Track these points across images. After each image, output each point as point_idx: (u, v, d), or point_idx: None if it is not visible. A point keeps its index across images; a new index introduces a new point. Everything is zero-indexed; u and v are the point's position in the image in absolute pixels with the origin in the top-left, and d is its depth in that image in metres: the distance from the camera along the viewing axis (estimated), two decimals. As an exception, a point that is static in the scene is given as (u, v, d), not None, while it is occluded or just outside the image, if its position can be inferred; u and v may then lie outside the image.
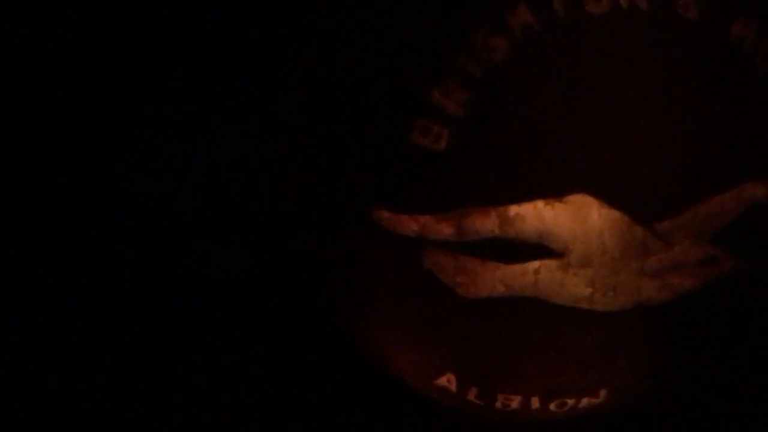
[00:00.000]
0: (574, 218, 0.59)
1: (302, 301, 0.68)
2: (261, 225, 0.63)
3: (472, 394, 0.67)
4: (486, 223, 0.59)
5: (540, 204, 0.58)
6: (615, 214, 0.59)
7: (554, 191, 0.58)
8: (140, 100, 0.63)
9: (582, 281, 0.60)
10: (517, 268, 0.60)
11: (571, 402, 0.67)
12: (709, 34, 0.57)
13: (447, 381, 0.67)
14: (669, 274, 0.61)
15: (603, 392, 0.66)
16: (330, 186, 0.62)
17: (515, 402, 0.67)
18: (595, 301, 0.61)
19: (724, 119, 0.58)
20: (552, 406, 0.67)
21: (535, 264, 0.60)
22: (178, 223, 0.65)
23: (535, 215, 0.59)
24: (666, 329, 0.63)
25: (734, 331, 0.64)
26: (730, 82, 0.58)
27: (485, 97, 0.57)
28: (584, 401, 0.67)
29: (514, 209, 0.59)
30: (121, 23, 0.65)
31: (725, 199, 0.60)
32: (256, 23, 0.60)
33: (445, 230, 0.60)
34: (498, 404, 0.67)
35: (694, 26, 0.57)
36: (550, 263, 0.60)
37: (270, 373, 0.69)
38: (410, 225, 0.61)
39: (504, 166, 0.58)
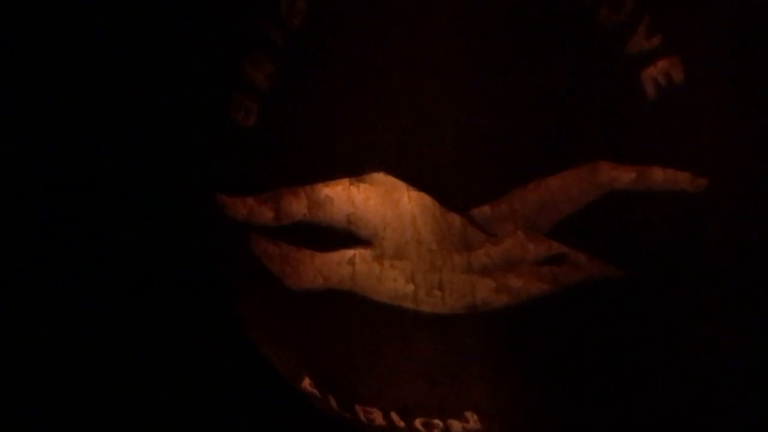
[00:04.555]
0: (383, 202, 0.50)
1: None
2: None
3: (333, 403, 0.60)
4: (297, 206, 0.53)
5: (346, 184, 0.51)
6: (425, 198, 0.49)
7: (353, 169, 0.50)
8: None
9: (401, 275, 0.51)
10: (332, 256, 0.52)
11: (438, 423, 0.57)
12: (534, -19, 0.47)
13: (309, 385, 0.60)
14: (503, 274, 0.50)
15: (472, 416, 0.55)
16: (179, 174, 0.60)
17: (377, 416, 0.58)
18: (420, 300, 0.51)
19: (555, 83, 0.46)
20: (419, 425, 0.57)
21: (349, 253, 0.52)
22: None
23: (345, 198, 0.51)
24: (516, 341, 0.51)
25: (598, 346, 0.50)
26: (562, 37, 0.46)
27: (287, 68, 0.51)
28: (455, 425, 0.56)
29: (322, 190, 0.51)
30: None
31: (564, 182, 0.47)
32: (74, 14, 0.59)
33: (266, 214, 0.54)
34: (362, 417, 0.59)
35: (513, -27, 0.47)
36: (364, 252, 0.52)
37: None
38: (240, 208, 0.56)
39: (306, 141, 0.51)
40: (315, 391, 0.59)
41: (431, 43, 0.47)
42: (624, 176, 0.47)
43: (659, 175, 0.47)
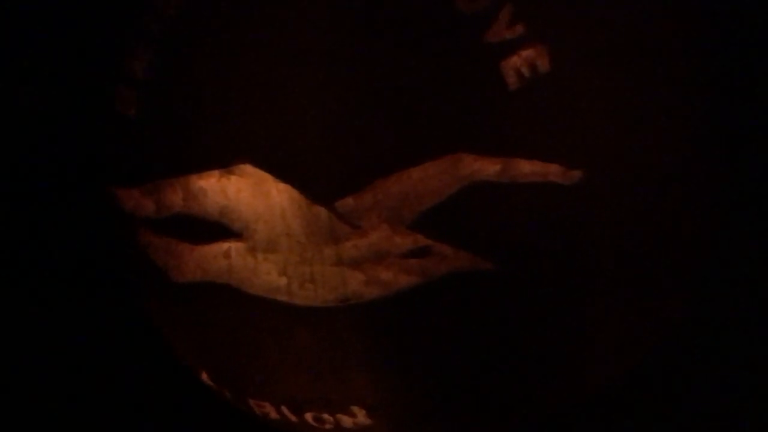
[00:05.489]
0: (254, 194, 0.50)
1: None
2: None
3: (228, 396, 0.60)
4: (174, 198, 0.52)
5: (217, 176, 0.51)
6: (292, 191, 0.49)
7: (223, 161, 0.50)
8: None
9: (274, 268, 0.51)
10: (209, 249, 0.52)
11: (328, 418, 0.56)
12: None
13: (206, 378, 0.60)
14: (372, 266, 0.49)
15: (360, 411, 0.55)
16: (74, 166, 0.60)
17: (270, 411, 0.57)
18: (294, 293, 0.51)
19: (414, 73, 0.45)
20: (310, 420, 0.57)
21: (224, 245, 0.52)
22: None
23: (218, 190, 0.51)
24: (391, 334, 0.50)
25: (473, 338, 0.49)
26: (420, 26, 0.45)
27: (163, 58, 0.51)
28: (345, 420, 0.56)
29: (197, 182, 0.51)
30: None
31: (426, 173, 0.47)
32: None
33: (148, 206, 0.54)
34: (257, 411, 0.59)
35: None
36: (239, 246, 0.51)
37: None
38: (127, 200, 0.56)
39: (180, 132, 0.50)
40: (212, 384, 0.59)
41: (295, 36, 0.47)
42: (488, 168, 0.46)
43: (526, 167, 0.46)
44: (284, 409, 0.56)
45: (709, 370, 0.63)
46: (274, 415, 0.57)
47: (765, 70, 0.53)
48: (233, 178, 0.50)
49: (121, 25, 0.52)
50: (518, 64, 0.45)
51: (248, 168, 0.49)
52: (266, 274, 0.51)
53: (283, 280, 0.50)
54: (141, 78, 0.52)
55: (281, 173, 0.48)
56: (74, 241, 0.64)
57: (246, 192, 0.50)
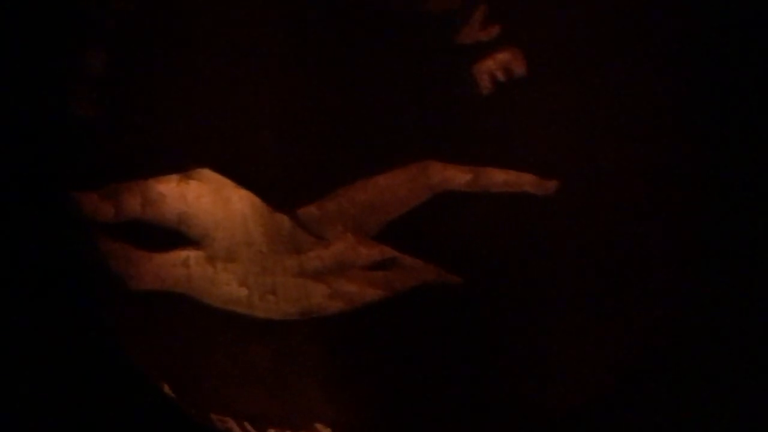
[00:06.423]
0: (214, 201, 0.47)
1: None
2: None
3: (193, 411, 0.57)
4: (132, 202, 0.50)
5: (176, 180, 0.48)
6: (253, 198, 0.47)
7: (181, 165, 0.47)
8: None
9: (234, 279, 0.48)
10: (167, 257, 0.50)
11: (294, 436, 0.54)
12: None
13: (168, 390, 0.58)
14: (336, 278, 0.47)
15: (324, 428, 0.52)
16: (34, 170, 0.58)
17: (232, 426, 0.55)
18: (254, 305, 0.49)
19: (381, 76, 0.43)
20: (275, 438, 0.55)
21: (182, 254, 0.49)
22: None
23: (178, 195, 0.48)
24: (354, 348, 0.48)
25: (438, 353, 0.47)
26: (388, 28, 0.42)
27: (120, 56, 0.48)
28: None
29: (155, 186, 0.49)
30: None
31: (393, 181, 0.44)
32: None
33: (107, 210, 0.52)
34: (219, 426, 0.56)
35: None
36: (198, 254, 0.49)
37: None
38: (86, 204, 0.54)
39: (138, 133, 0.48)
40: (174, 397, 0.57)
41: (256, 37, 0.44)
42: (458, 177, 0.44)
43: (499, 177, 0.44)
44: (247, 425, 0.54)
45: (697, 378, 0.60)
46: (237, 430, 0.55)
47: (748, 74, 0.51)
48: (192, 183, 0.47)
49: (76, 22, 0.50)
50: (492, 67, 0.43)
51: (208, 173, 0.47)
52: (226, 285, 0.48)
53: (244, 291, 0.48)
54: (99, 77, 0.49)
55: (242, 179, 0.46)
56: (34, 247, 0.61)
57: (206, 198, 0.47)
